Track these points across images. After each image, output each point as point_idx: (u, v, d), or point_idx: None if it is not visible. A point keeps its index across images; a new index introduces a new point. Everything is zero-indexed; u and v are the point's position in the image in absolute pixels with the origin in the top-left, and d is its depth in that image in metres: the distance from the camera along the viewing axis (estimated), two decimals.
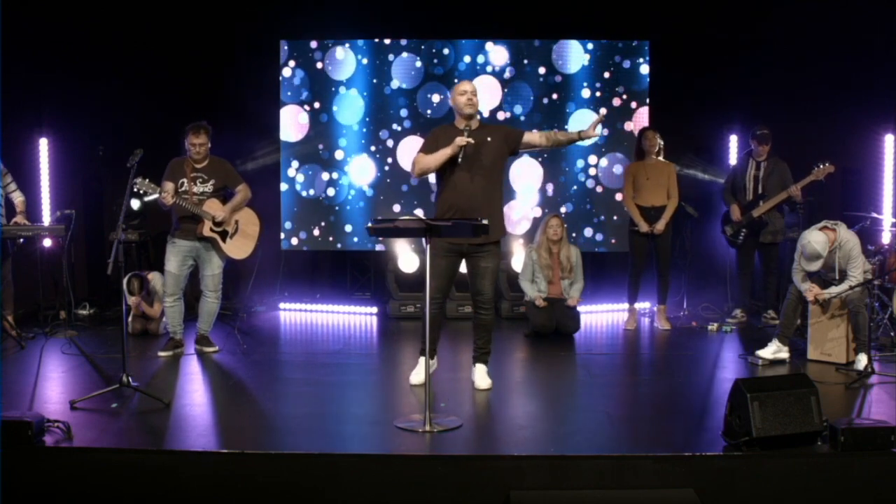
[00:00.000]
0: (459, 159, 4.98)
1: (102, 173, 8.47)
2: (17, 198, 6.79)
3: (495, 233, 5.08)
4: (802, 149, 7.64)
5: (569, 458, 3.94)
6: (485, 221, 4.65)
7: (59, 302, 7.29)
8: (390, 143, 8.37)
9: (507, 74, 8.33)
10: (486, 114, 8.31)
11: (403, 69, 8.36)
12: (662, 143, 7.16)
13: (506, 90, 8.34)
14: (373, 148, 8.41)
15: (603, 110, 8.09)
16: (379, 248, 8.44)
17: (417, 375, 5.33)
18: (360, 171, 8.44)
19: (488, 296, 5.22)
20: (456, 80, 8.25)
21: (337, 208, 8.48)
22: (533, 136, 5.26)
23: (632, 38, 8.29)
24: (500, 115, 8.34)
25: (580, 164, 8.37)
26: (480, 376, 5.26)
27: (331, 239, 8.52)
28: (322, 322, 7.91)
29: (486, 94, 8.32)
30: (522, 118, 8.35)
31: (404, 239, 7.81)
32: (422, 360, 5.34)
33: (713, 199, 7.98)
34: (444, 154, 4.98)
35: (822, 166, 6.94)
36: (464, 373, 5.49)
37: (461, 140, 4.92)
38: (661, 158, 7.19)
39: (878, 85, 7.63)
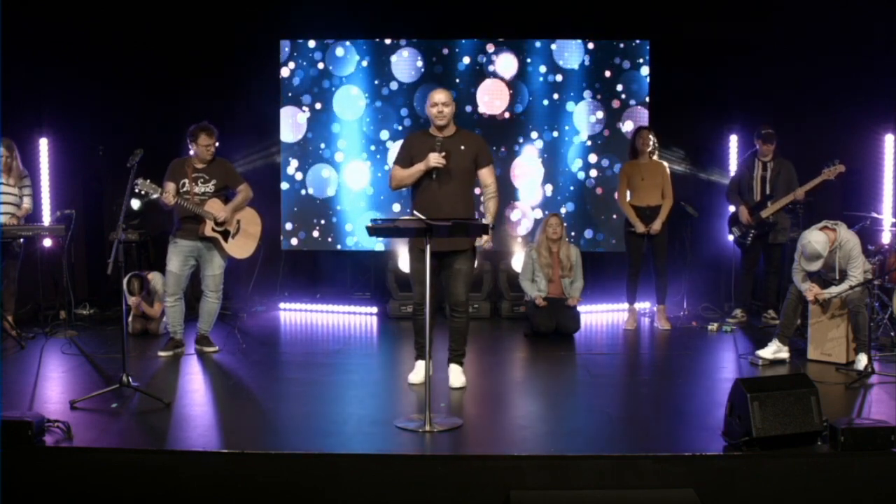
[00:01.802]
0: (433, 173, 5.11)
1: (102, 173, 8.47)
2: (26, 203, 6.81)
3: (468, 239, 5.15)
4: (802, 149, 7.63)
5: (569, 458, 3.94)
6: (486, 222, 4.86)
7: (59, 302, 7.29)
8: (390, 143, 8.36)
9: (507, 74, 8.33)
10: (485, 116, 8.34)
11: (404, 69, 8.36)
12: (656, 142, 7.16)
13: (507, 90, 8.34)
14: (373, 147, 8.41)
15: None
16: (379, 247, 8.44)
17: (416, 375, 5.34)
18: (360, 171, 8.44)
19: (461, 299, 5.23)
20: (457, 80, 8.29)
21: (337, 208, 8.48)
22: (485, 177, 5.29)
23: (632, 38, 8.29)
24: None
25: (580, 164, 8.37)
26: (455, 375, 5.30)
27: (330, 239, 8.52)
28: (322, 322, 7.91)
29: (487, 95, 8.33)
30: (522, 118, 8.35)
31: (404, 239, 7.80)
32: (419, 362, 5.36)
33: (713, 199, 7.97)
34: (418, 170, 5.12)
35: (832, 167, 6.89)
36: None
37: (434, 161, 5.04)
38: (654, 158, 7.18)
39: (878, 85, 7.62)
